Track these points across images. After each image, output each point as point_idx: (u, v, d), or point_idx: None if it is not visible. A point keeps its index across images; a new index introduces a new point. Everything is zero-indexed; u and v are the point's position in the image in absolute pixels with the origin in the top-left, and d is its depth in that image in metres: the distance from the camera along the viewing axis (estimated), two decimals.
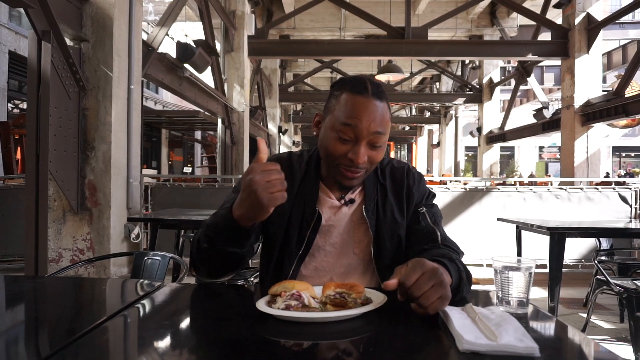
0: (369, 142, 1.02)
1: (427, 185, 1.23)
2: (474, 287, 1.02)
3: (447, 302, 0.79)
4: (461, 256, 1.05)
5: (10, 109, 10.24)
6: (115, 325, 0.78)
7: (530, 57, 7.76)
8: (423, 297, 0.77)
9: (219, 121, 7.11)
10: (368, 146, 1.02)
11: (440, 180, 5.37)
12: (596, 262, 2.33)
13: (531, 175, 19.99)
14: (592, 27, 7.13)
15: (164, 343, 0.69)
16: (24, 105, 10.24)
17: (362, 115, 1.00)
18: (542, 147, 25.08)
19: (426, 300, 0.77)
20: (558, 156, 23.20)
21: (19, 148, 7.17)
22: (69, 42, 3.39)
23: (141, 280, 1.14)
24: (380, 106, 1.02)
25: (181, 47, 5.26)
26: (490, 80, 12.18)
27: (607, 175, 14.95)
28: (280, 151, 12.97)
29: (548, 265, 2.70)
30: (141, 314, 0.85)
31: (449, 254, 0.98)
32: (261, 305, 0.78)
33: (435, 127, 18.99)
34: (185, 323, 0.81)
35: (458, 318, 0.72)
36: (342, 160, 1.03)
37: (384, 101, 1.04)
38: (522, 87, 11.60)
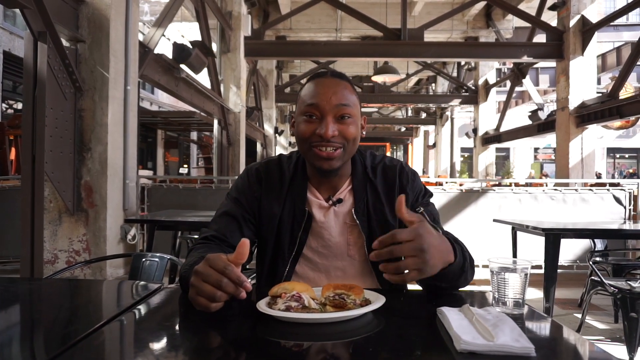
0: (335, 116, 1.04)
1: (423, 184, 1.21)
2: (470, 287, 1.03)
3: (421, 276, 0.82)
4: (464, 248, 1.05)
5: (5, 109, 10.18)
6: (114, 329, 0.78)
7: (525, 58, 7.81)
8: (404, 264, 0.81)
9: (215, 122, 7.11)
10: (335, 120, 1.05)
11: (436, 182, 5.39)
12: (591, 263, 2.36)
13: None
14: (587, 30, 7.19)
15: (164, 346, 0.70)
16: (19, 106, 10.18)
17: (322, 91, 1.05)
18: (537, 149, 25.21)
19: (401, 268, 0.81)
20: (553, 157, 23.33)
21: (13, 148, 7.14)
22: (65, 42, 3.38)
23: (140, 282, 1.14)
24: (341, 83, 1.07)
25: (177, 47, 5.25)
26: (486, 81, 12.24)
27: (598, 176, 15.04)
28: (277, 152, 12.96)
29: (543, 266, 2.72)
30: (140, 316, 0.86)
31: (453, 236, 1.00)
32: (262, 306, 0.79)
33: (431, 128, 19.05)
34: (185, 325, 0.81)
35: (455, 319, 0.73)
36: (313, 139, 1.05)
37: (345, 81, 1.09)
38: (517, 89, 11.68)
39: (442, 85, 16.12)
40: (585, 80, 7.33)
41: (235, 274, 0.76)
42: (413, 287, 1.18)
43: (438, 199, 4.45)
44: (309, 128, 1.05)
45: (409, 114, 21.08)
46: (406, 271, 0.81)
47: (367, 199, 1.12)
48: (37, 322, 0.86)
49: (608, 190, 4.46)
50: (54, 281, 1.31)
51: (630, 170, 22.51)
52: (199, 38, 6.28)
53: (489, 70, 12.28)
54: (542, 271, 2.74)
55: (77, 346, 0.67)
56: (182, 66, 5.27)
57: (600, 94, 7.25)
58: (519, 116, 15.94)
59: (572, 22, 7.27)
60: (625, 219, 4.38)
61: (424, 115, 18.61)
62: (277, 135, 12.98)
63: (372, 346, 0.68)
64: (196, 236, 3.37)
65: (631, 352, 2.11)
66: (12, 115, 9.02)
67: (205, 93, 6.21)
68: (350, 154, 1.09)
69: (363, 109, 1.19)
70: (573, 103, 7.28)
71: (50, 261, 3.52)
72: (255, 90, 10.54)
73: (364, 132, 1.14)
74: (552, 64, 8.34)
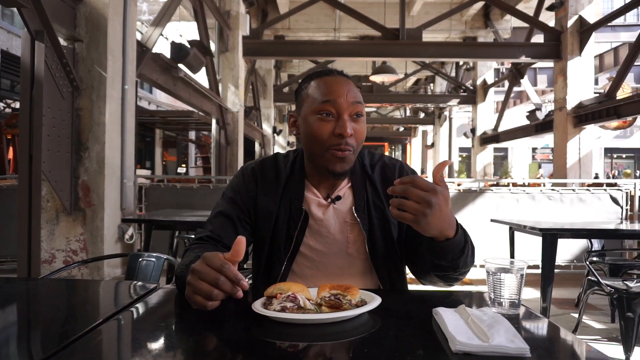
0: (350, 115, 1.04)
1: None
2: (467, 288, 1.04)
3: (415, 223, 0.86)
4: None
5: (2, 108, 10.16)
6: (111, 328, 0.78)
7: (523, 59, 7.83)
8: (408, 204, 0.84)
9: (214, 121, 7.11)
10: (351, 119, 1.04)
11: None
12: (588, 262, 2.36)
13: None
14: (585, 30, 7.21)
15: (160, 345, 0.70)
16: (16, 105, 10.15)
17: (337, 89, 1.04)
18: (535, 149, 25.25)
19: (403, 206, 0.85)
20: (551, 157, 23.37)
21: (10, 148, 7.13)
22: (62, 42, 3.37)
23: (136, 282, 1.14)
24: (349, 81, 1.08)
25: (175, 47, 5.25)
26: (484, 81, 12.25)
27: (597, 177, 15.09)
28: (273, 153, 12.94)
29: (540, 266, 2.72)
30: (136, 316, 0.85)
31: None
32: (257, 306, 0.79)
33: (429, 128, 19.06)
34: (180, 325, 0.81)
35: (451, 319, 0.73)
36: (331, 141, 1.03)
37: (351, 80, 1.09)
38: (515, 89, 11.69)
39: (440, 85, 16.13)
40: (582, 80, 7.35)
41: (232, 272, 0.76)
42: (411, 287, 1.18)
43: None
44: (326, 128, 1.03)
45: (407, 113, 21.09)
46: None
47: (367, 196, 1.12)
48: (34, 321, 0.86)
49: (605, 190, 4.47)
50: (50, 281, 1.31)
51: (627, 171, 22.55)
52: (197, 37, 6.27)
53: (487, 70, 12.29)
54: (539, 271, 2.74)
55: (72, 346, 0.67)
56: (180, 65, 5.26)
57: (597, 94, 7.27)
58: (517, 116, 15.97)
59: (570, 23, 7.28)
60: (622, 219, 4.39)
61: (422, 115, 18.62)
62: (275, 134, 12.96)
63: (367, 347, 0.68)
64: (193, 236, 3.36)
65: (627, 351, 2.11)
66: (9, 115, 8.99)
67: (204, 92, 6.20)
68: (356, 155, 1.09)
69: None
70: (571, 103, 7.30)
71: (47, 261, 3.51)
72: (253, 90, 10.54)
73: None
74: (550, 64, 8.36)
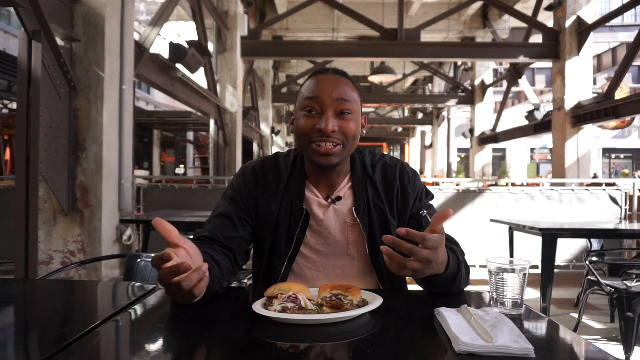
0: (335, 111, 1.04)
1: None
2: (467, 288, 1.03)
3: (414, 274, 0.86)
4: (462, 255, 1.06)
5: None
6: (109, 329, 0.77)
7: (521, 59, 7.84)
8: (411, 264, 0.83)
9: (212, 122, 7.09)
10: (335, 115, 1.04)
11: (433, 182, 5.40)
12: (587, 262, 2.36)
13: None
14: (583, 30, 7.22)
15: (159, 347, 0.69)
16: (13, 105, 10.11)
17: (322, 86, 1.04)
18: (534, 149, 25.30)
19: (404, 265, 0.83)
20: (549, 157, 23.42)
21: (7, 148, 7.10)
22: (59, 41, 3.35)
23: (135, 283, 1.13)
24: (342, 79, 1.07)
25: (173, 47, 5.23)
26: (482, 81, 12.26)
27: (595, 176, 15.12)
28: (273, 152, 12.91)
29: (540, 266, 2.72)
30: (135, 317, 0.84)
31: (450, 246, 1.02)
32: (257, 307, 0.78)
33: (427, 128, 19.08)
34: (180, 326, 0.80)
35: (454, 319, 0.72)
36: (313, 135, 1.03)
37: (346, 79, 1.09)
38: (513, 89, 11.71)
39: (438, 86, 16.14)
40: (581, 80, 7.36)
41: (155, 259, 0.76)
42: (412, 287, 1.17)
43: (435, 199, 4.42)
44: (309, 123, 1.04)
45: (406, 114, 21.09)
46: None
47: (368, 197, 1.11)
48: (31, 323, 0.84)
49: (604, 190, 4.47)
50: (48, 282, 1.30)
51: (625, 171, 22.60)
52: (195, 37, 6.26)
53: (485, 70, 12.30)
54: (538, 271, 2.74)
55: (70, 347, 0.66)
56: (178, 66, 5.25)
57: (596, 94, 7.28)
58: (515, 116, 16.00)
59: (568, 23, 7.30)
60: (621, 218, 4.40)
61: (420, 115, 18.63)
62: (273, 135, 12.95)
63: (369, 347, 0.67)
64: (191, 236, 3.35)
65: (627, 351, 2.11)
66: (6, 115, 8.95)
67: (202, 93, 6.18)
68: (349, 152, 1.08)
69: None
70: (569, 103, 7.31)
71: (44, 262, 3.49)
72: (251, 90, 10.52)
73: (364, 131, 1.14)
74: (548, 64, 8.39)
